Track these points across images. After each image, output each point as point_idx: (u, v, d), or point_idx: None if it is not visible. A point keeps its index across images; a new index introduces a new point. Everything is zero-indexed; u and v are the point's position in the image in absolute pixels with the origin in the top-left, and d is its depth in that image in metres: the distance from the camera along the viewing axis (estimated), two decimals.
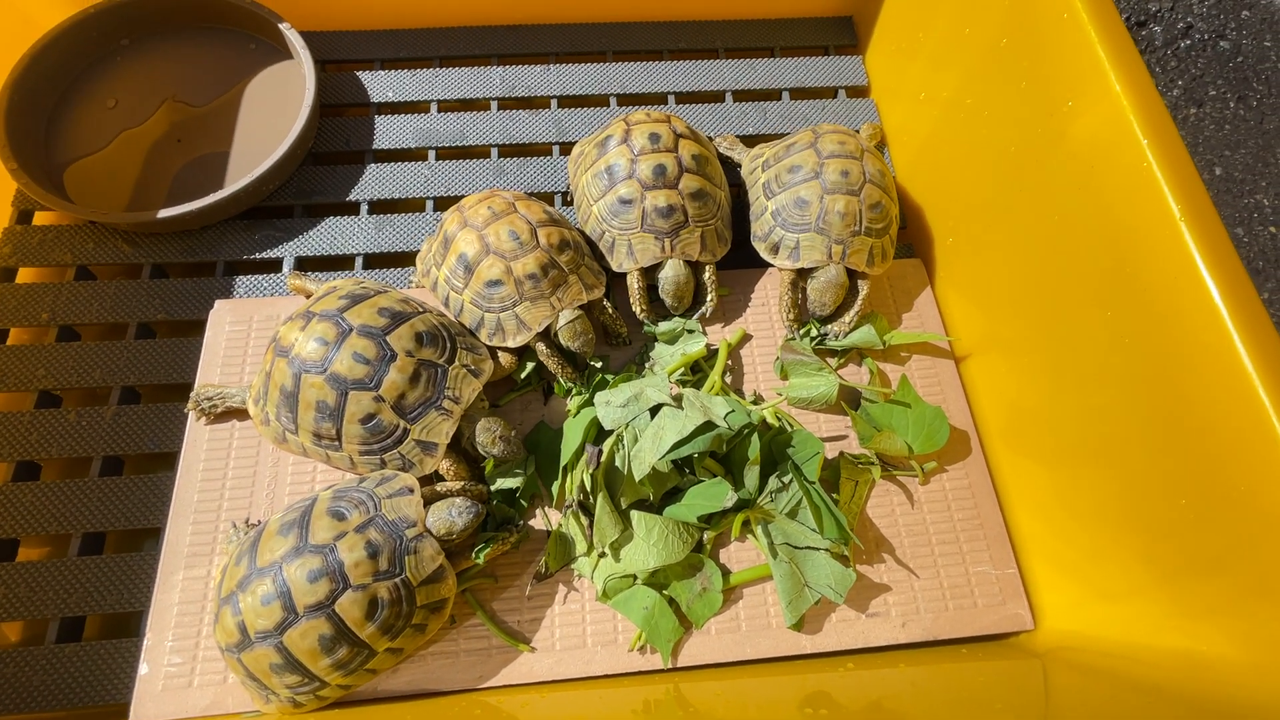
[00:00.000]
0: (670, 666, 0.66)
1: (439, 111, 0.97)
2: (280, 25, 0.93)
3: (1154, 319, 0.57)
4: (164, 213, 0.81)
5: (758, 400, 0.78)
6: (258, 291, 0.84)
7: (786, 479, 0.70)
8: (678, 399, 0.71)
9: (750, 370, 0.81)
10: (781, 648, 0.68)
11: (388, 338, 0.66)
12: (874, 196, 0.78)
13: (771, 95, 1.02)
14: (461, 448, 0.71)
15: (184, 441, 0.73)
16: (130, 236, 0.85)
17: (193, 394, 0.73)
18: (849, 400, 0.78)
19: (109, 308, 0.81)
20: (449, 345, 0.70)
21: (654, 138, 0.78)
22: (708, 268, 0.81)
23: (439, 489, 0.66)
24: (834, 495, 0.72)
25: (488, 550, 0.65)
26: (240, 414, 0.75)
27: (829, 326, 0.80)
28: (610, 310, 0.78)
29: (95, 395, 0.80)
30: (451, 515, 0.63)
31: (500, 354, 0.75)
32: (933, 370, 0.82)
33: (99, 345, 0.80)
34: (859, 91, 1.03)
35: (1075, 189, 0.65)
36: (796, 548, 0.69)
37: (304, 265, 0.87)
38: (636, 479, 0.67)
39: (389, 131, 0.95)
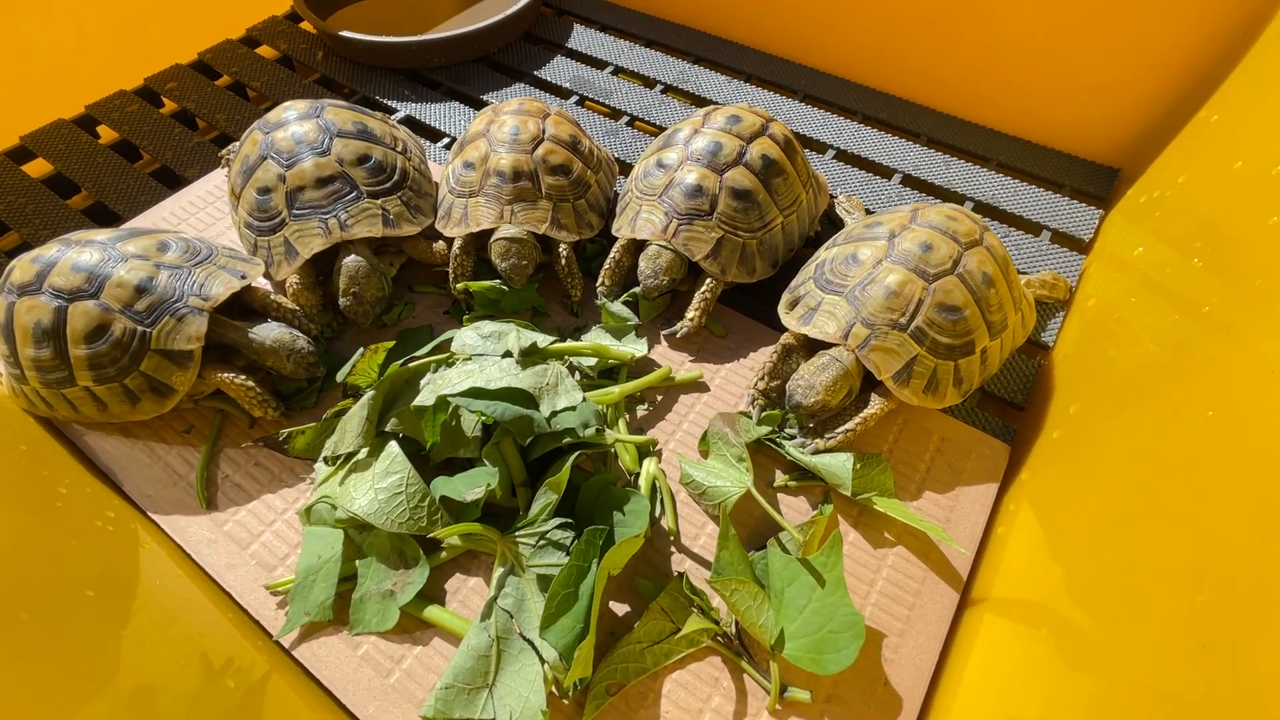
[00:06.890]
0: (281, 642, 0.47)
1: (609, 74, 0.96)
2: None
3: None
4: (345, 32, 0.93)
5: (649, 451, 0.56)
6: None
7: (579, 539, 0.47)
8: (536, 363, 0.53)
9: (674, 424, 0.59)
10: None
11: (336, 138, 0.63)
12: (954, 297, 0.52)
13: (952, 196, 0.80)
14: (329, 292, 0.63)
15: (201, 178, 0.80)
16: (327, 51, 0.99)
17: (231, 145, 0.79)
18: (752, 532, 0.52)
19: (273, 84, 0.95)
20: (386, 186, 0.64)
21: (733, 119, 0.65)
22: (708, 282, 0.63)
23: (273, 299, 0.59)
24: (635, 623, 0.47)
25: (239, 379, 0.54)
26: None
27: (805, 435, 0.55)
28: (564, 262, 0.64)
29: (209, 127, 0.92)
30: (295, 340, 0.56)
31: (440, 242, 0.67)
32: (917, 587, 0.50)
33: (245, 104, 0.93)
34: (1072, 243, 0.75)
35: (1239, 409, 0.34)
36: (519, 632, 0.45)
37: (410, 123, 0.91)
38: (414, 402, 0.51)
39: (555, 68, 0.96)
